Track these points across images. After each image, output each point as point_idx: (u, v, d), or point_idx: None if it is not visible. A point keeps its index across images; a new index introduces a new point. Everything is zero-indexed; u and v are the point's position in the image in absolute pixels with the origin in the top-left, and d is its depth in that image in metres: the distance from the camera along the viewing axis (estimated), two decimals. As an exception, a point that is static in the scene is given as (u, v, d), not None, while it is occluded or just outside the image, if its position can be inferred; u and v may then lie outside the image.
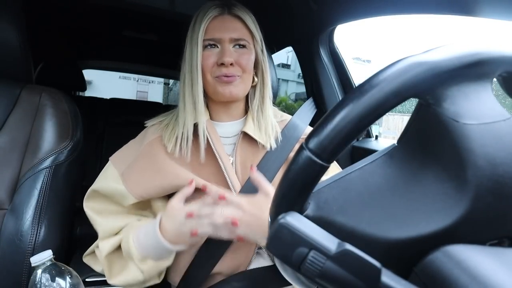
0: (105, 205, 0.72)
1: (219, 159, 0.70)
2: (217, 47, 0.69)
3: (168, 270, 0.72)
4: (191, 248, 0.69)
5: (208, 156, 0.71)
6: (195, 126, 0.70)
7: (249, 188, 0.68)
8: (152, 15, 1.50)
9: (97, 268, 0.72)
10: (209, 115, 0.75)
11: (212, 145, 0.70)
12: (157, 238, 0.62)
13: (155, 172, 0.69)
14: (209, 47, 0.69)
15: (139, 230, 0.65)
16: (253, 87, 0.76)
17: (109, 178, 0.71)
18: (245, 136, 0.74)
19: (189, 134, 0.70)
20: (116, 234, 0.69)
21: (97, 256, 0.70)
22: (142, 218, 0.72)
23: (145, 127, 0.78)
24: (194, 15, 0.71)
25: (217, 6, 0.69)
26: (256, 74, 0.75)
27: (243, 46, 0.71)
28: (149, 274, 0.66)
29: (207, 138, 0.70)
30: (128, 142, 0.78)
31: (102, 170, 0.74)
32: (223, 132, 0.75)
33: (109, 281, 0.67)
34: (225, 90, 0.69)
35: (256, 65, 0.74)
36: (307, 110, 1.08)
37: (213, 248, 0.70)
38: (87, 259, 0.74)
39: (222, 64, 0.67)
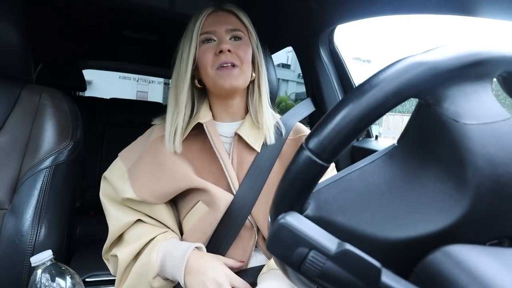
0: (114, 192, 0.73)
1: (220, 160, 0.71)
2: (214, 40, 0.71)
3: None
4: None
5: (210, 155, 0.72)
6: (198, 125, 0.72)
7: (246, 187, 0.71)
8: (152, 15, 1.50)
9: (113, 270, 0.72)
10: (212, 115, 0.76)
11: (213, 145, 0.71)
12: (180, 267, 0.63)
13: (161, 174, 0.69)
14: (206, 42, 0.71)
15: (167, 247, 0.66)
16: (251, 82, 0.76)
17: (116, 172, 0.73)
18: (241, 137, 0.75)
19: (178, 129, 0.71)
20: (127, 229, 0.70)
21: (113, 260, 0.70)
22: (163, 228, 0.71)
23: (151, 125, 0.79)
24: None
25: (210, 6, 0.73)
26: (253, 69, 0.76)
27: (239, 38, 0.72)
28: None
29: (209, 138, 0.72)
30: (135, 140, 0.79)
31: (112, 163, 0.76)
32: (224, 131, 0.77)
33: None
34: (225, 82, 0.69)
35: (253, 60, 0.75)
36: (301, 109, 1.07)
37: (217, 245, 0.70)
38: (106, 257, 0.73)
39: (221, 51, 0.68)
